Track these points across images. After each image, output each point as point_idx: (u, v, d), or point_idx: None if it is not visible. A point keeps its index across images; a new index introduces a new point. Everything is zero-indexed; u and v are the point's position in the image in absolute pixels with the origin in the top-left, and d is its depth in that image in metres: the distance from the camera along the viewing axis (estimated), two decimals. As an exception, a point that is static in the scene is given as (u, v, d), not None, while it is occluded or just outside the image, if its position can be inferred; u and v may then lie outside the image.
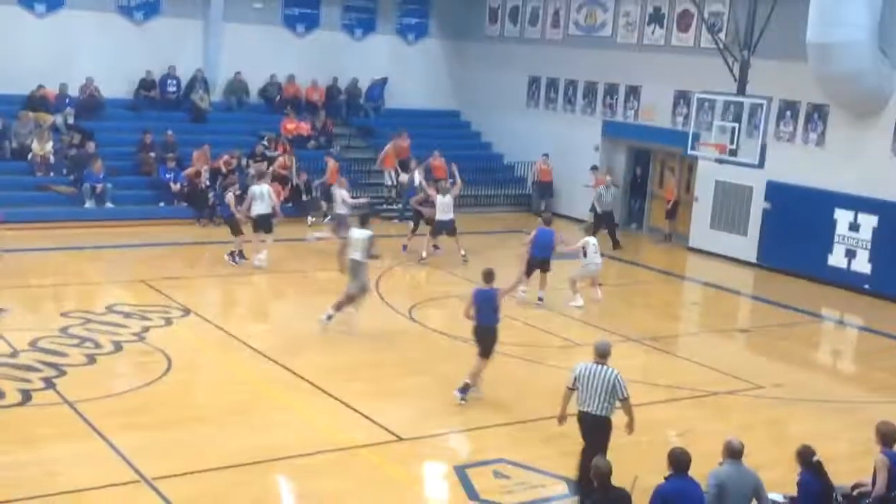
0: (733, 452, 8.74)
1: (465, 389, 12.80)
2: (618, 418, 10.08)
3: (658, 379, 14.61)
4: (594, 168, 25.67)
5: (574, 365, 10.30)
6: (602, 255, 18.64)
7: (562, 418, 10.42)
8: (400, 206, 24.95)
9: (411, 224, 21.91)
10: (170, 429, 11.47)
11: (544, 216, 18.68)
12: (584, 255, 18.09)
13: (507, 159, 29.04)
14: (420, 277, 20.47)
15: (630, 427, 10.13)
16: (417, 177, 23.68)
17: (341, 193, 20.58)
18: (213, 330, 15.48)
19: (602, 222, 22.70)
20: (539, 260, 17.74)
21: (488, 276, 13.10)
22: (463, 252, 20.65)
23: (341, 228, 19.24)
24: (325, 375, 13.49)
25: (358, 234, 15.76)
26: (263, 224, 19.35)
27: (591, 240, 18.25)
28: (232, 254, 19.35)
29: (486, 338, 12.89)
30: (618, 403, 10.02)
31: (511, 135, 28.84)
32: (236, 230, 19.43)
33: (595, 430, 9.98)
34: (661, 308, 19.21)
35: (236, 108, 27.36)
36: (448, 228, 20.68)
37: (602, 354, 10.10)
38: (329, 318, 15.52)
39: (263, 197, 19.33)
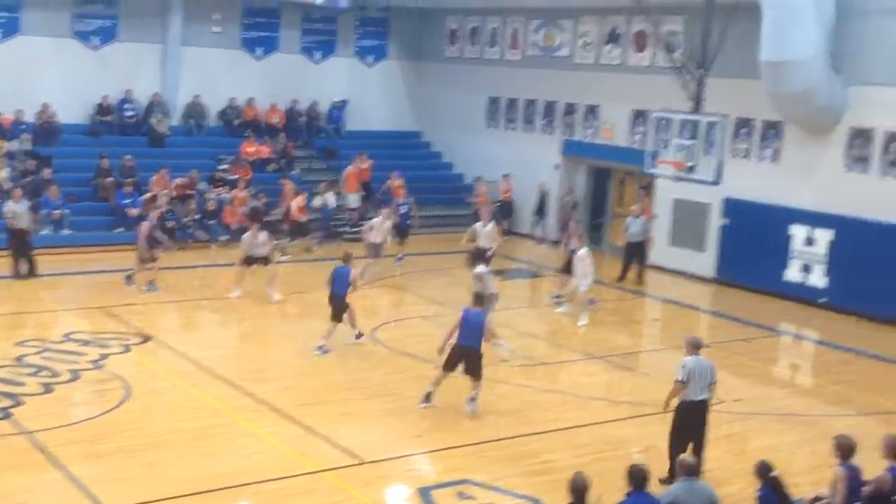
0: (689, 469, 8.84)
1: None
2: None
3: (621, 395, 14.75)
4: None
5: (683, 360, 11.21)
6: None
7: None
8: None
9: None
10: (130, 457, 11.35)
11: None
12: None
13: (467, 179, 29.14)
14: (382, 299, 20.43)
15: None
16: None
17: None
18: (172, 356, 15.36)
19: (632, 255, 22.23)
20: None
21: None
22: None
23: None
24: (286, 400, 13.44)
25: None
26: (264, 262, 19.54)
27: (583, 252, 18.50)
28: (151, 282, 19.24)
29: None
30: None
31: (471, 155, 28.94)
32: (150, 258, 19.27)
33: (702, 416, 11.14)
34: (622, 325, 19.32)
35: (195, 131, 27.25)
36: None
37: (698, 347, 11.28)
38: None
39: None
